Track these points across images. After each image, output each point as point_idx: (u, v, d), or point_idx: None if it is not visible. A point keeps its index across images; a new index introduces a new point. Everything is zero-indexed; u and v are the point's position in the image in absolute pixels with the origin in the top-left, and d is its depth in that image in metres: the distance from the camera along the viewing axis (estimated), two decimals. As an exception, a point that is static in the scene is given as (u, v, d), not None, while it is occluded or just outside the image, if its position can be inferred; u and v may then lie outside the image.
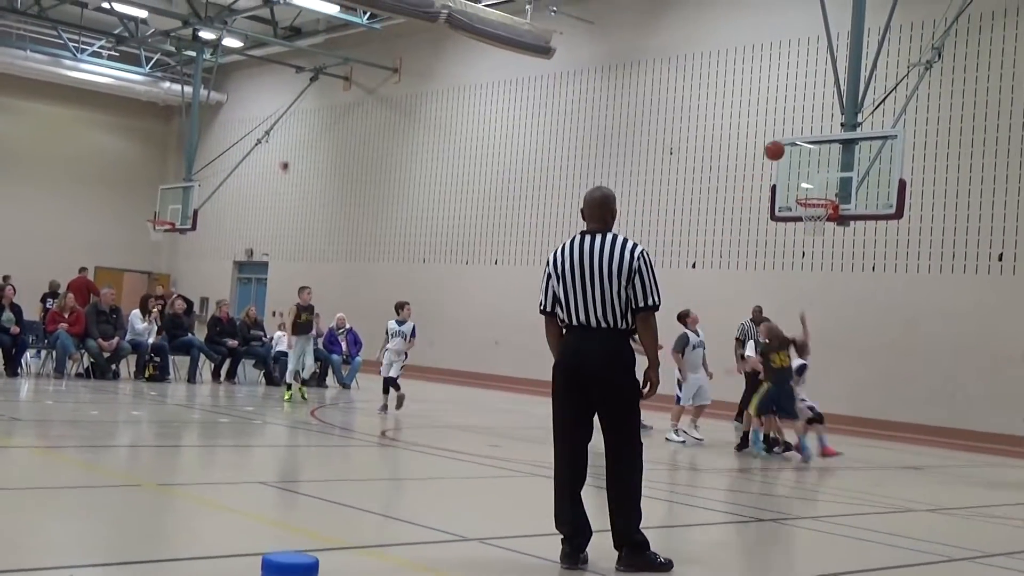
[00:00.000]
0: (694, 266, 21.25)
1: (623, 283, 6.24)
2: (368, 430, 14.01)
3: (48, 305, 22.11)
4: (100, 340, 18.10)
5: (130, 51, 31.55)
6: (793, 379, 13.30)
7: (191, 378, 19.11)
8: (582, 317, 6.30)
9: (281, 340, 20.13)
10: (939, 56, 16.63)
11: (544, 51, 22.88)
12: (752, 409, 13.40)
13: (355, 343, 20.90)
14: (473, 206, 25.94)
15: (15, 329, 17.69)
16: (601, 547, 6.27)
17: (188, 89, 29.64)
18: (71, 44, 30.44)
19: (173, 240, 33.27)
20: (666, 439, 14.53)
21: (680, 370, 14.82)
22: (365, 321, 22.01)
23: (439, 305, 25.50)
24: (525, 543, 6.87)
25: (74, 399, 15.63)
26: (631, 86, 22.97)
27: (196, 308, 27.35)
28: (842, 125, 15.87)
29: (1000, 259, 17.39)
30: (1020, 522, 9.80)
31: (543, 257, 6.78)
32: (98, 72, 31.52)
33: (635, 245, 6.35)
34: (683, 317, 15.15)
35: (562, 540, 6.27)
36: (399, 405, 15.44)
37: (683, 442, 14.49)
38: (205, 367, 19.83)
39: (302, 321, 16.67)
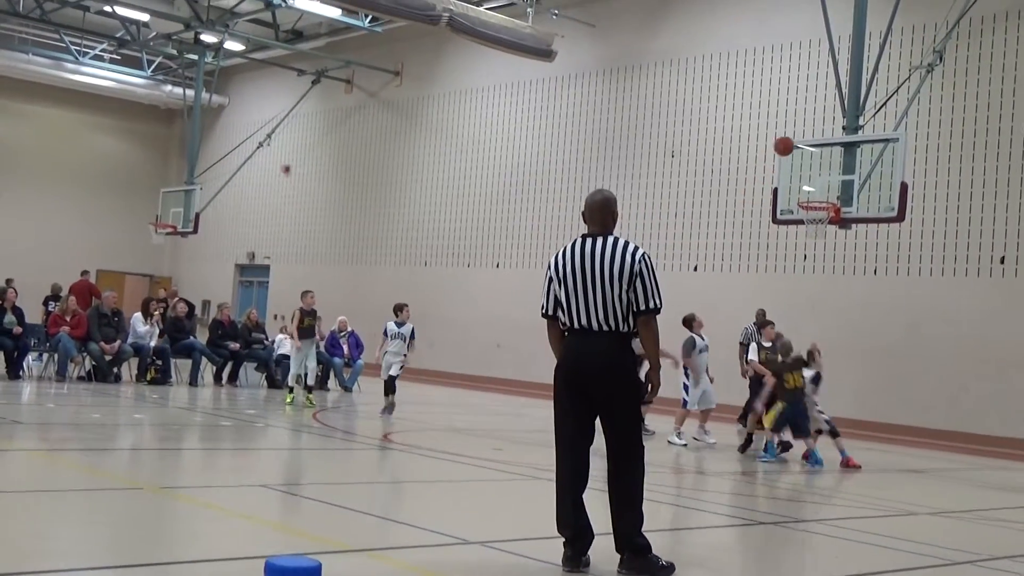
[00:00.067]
0: (696, 269, 21.25)
1: (624, 286, 6.24)
2: (370, 433, 14.01)
3: (50, 308, 22.12)
4: (102, 343, 18.11)
5: (132, 54, 31.59)
6: (809, 388, 13.30)
7: (193, 381, 19.11)
8: (583, 320, 6.30)
9: (283, 343, 20.14)
10: (940, 59, 16.63)
11: (545, 54, 22.89)
12: (767, 424, 13.39)
13: (357, 346, 20.91)
14: (475, 209, 25.94)
15: (17, 330, 17.70)
16: (603, 550, 6.26)
17: (190, 92, 29.66)
18: (73, 47, 30.47)
19: (175, 243, 33.26)
20: (668, 441, 14.54)
21: (691, 374, 14.86)
22: (367, 324, 22.03)
23: (441, 308, 25.51)
24: (527, 546, 6.87)
25: (76, 402, 15.63)
26: (632, 89, 22.97)
27: (198, 311, 27.37)
28: (844, 128, 15.88)
29: (1002, 262, 17.37)
30: (1023, 526, 9.79)
31: (545, 260, 6.78)
32: (100, 75, 31.57)
33: (636, 248, 6.35)
34: (689, 321, 15.18)
35: (564, 543, 6.27)
36: (390, 410, 15.41)
37: (685, 445, 14.49)
38: (207, 370, 19.84)
39: (305, 326, 16.61)
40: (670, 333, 15.35)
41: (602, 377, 6.26)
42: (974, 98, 17.89)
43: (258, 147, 30.50)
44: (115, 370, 18.46)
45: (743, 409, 14.84)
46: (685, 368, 15.00)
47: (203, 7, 26.17)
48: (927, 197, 18.07)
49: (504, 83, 25.56)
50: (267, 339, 20.79)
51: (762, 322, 15.24)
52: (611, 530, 6.25)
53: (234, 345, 19.76)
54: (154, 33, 29.19)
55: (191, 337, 19.93)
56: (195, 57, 29.26)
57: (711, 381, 15.11)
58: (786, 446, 13.75)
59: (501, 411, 19.37)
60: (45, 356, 18.87)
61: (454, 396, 21.96)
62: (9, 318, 17.71)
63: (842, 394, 17.40)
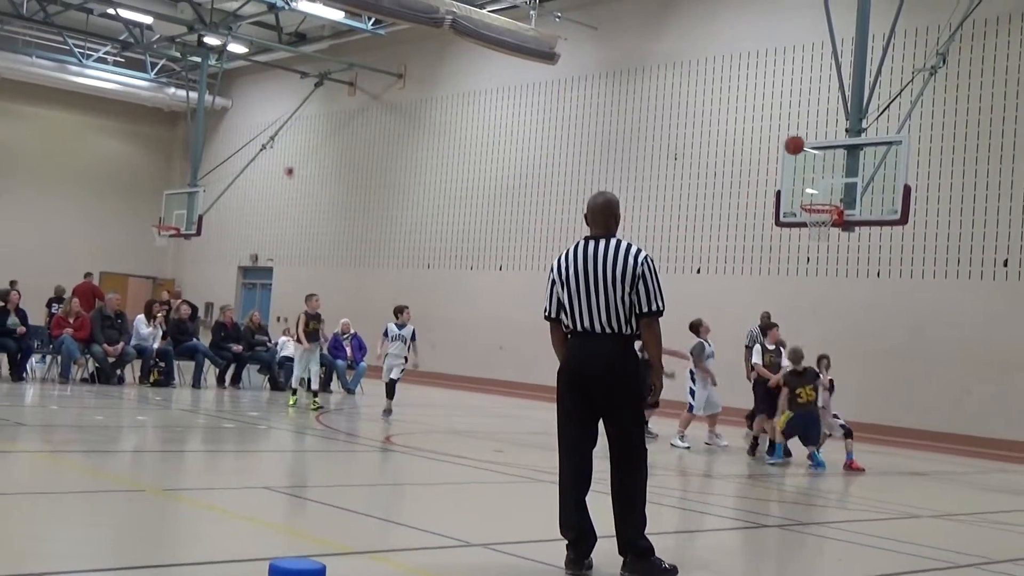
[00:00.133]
0: (699, 272, 21.25)
1: (627, 288, 6.24)
2: (373, 435, 14.01)
3: (53, 310, 22.13)
4: (105, 345, 18.12)
5: (135, 57, 31.62)
6: (823, 397, 13.27)
7: (196, 383, 19.12)
8: (586, 323, 6.30)
9: (286, 345, 20.15)
10: (944, 61, 16.62)
11: (548, 57, 22.90)
12: (778, 426, 13.38)
13: (360, 348, 20.92)
14: (478, 212, 25.95)
15: (21, 330, 17.71)
16: (606, 553, 6.26)
17: (193, 95, 29.69)
18: (76, 50, 30.52)
19: (178, 245, 33.29)
20: (671, 444, 14.55)
21: (698, 379, 14.90)
22: (369, 326, 22.00)
23: (444, 310, 25.52)
24: (530, 548, 6.87)
25: (79, 404, 15.63)
26: (635, 92, 22.98)
27: (201, 313, 27.37)
28: (847, 131, 15.87)
29: (1005, 265, 17.36)
30: (1026, 528, 9.78)
31: (547, 262, 6.79)
32: (103, 78, 31.61)
33: (639, 250, 6.35)
34: (696, 327, 15.22)
35: (567, 546, 6.27)
36: (389, 413, 15.37)
37: (688, 448, 14.50)
38: (210, 372, 19.84)
39: (310, 330, 16.58)
40: (676, 338, 15.50)
41: (605, 379, 6.25)
42: (977, 100, 17.88)
43: (261, 149, 30.52)
44: (118, 372, 18.47)
45: (751, 411, 14.86)
46: (692, 372, 15.02)
47: (206, 10, 26.21)
48: (930, 200, 18.06)
49: (507, 85, 25.57)
50: (270, 341, 20.80)
51: (766, 324, 15.24)
52: (614, 532, 6.25)
53: (237, 347, 19.77)
54: (157, 36, 29.22)
55: (194, 339, 19.95)
56: (198, 60, 29.29)
57: (714, 385, 15.14)
58: (787, 453, 13.76)
59: (503, 413, 19.36)
60: (48, 358, 18.88)
61: (456, 398, 21.96)
62: (12, 320, 17.73)
63: (845, 396, 17.34)
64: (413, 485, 10.36)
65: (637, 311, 6.26)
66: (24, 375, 17.89)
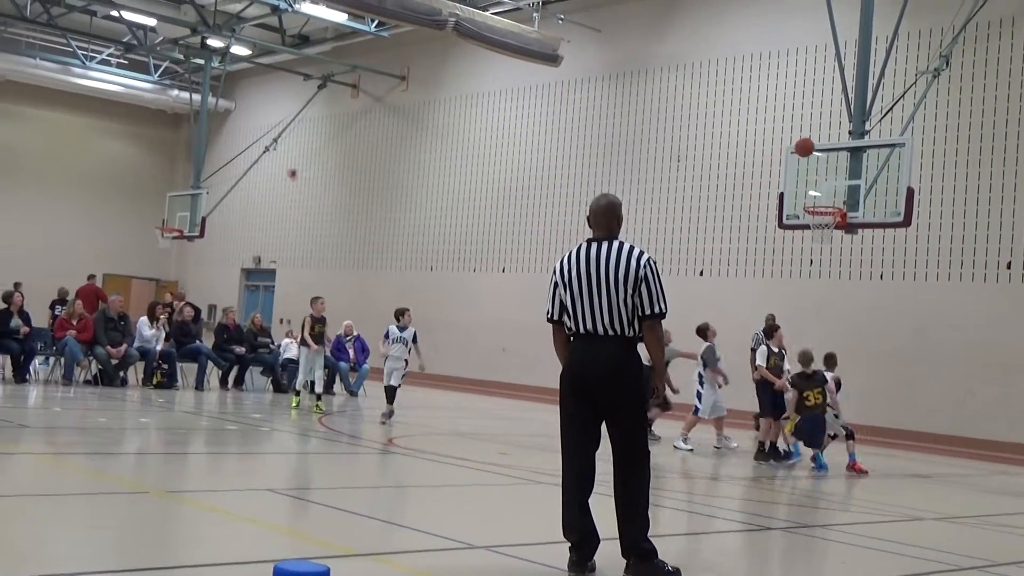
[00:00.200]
0: (701, 274, 21.24)
1: (629, 291, 6.23)
2: (375, 437, 14.01)
3: (57, 312, 22.14)
4: (108, 347, 18.14)
5: (139, 59, 31.63)
6: (830, 398, 13.26)
7: (199, 385, 19.13)
8: (589, 325, 6.30)
9: (289, 347, 20.16)
10: (947, 64, 16.61)
11: (551, 59, 22.89)
12: (787, 430, 13.38)
13: (362, 350, 20.92)
14: (481, 214, 25.96)
15: (25, 330, 17.74)
16: (609, 555, 6.26)
17: (196, 97, 29.71)
18: (80, 52, 30.54)
19: (181, 247, 33.31)
20: (674, 446, 14.55)
21: (707, 382, 14.91)
22: (372, 328, 21.95)
23: (446, 312, 25.52)
24: (533, 551, 6.87)
25: (82, 406, 15.65)
26: (638, 94, 22.98)
27: (204, 315, 27.39)
28: (850, 133, 15.86)
29: (1008, 267, 17.34)
30: (1029, 531, 9.77)
31: (550, 264, 6.78)
32: (107, 80, 31.64)
33: (641, 252, 6.34)
34: (703, 330, 15.25)
35: (570, 548, 6.26)
36: (388, 416, 15.29)
37: (691, 450, 14.50)
38: (213, 374, 19.85)
39: (315, 333, 16.54)
40: (679, 340, 15.52)
41: (607, 382, 6.25)
42: (980, 103, 17.87)
43: (264, 151, 30.51)
44: (121, 374, 18.49)
45: (757, 414, 14.89)
46: (700, 375, 15.04)
47: (210, 12, 26.23)
48: (933, 202, 18.05)
49: (510, 88, 25.57)
50: (273, 343, 20.81)
51: (771, 327, 15.24)
52: (617, 535, 6.25)
53: (240, 349, 19.78)
54: (161, 38, 29.22)
55: (197, 341, 19.97)
56: (202, 62, 29.31)
57: (727, 384, 15.21)
58: (788, 455, 13.76)
59: (505, 415, 19.37)
60: (51, 360, 18.91)
61: (459, 400, 21.96)
62: (15, 321, 17.75)
63: (848, 398, 17.35)
64: (416, 487, 10.36)
65: (639, 313, 6.26)
66: (27, 377, 17.91)
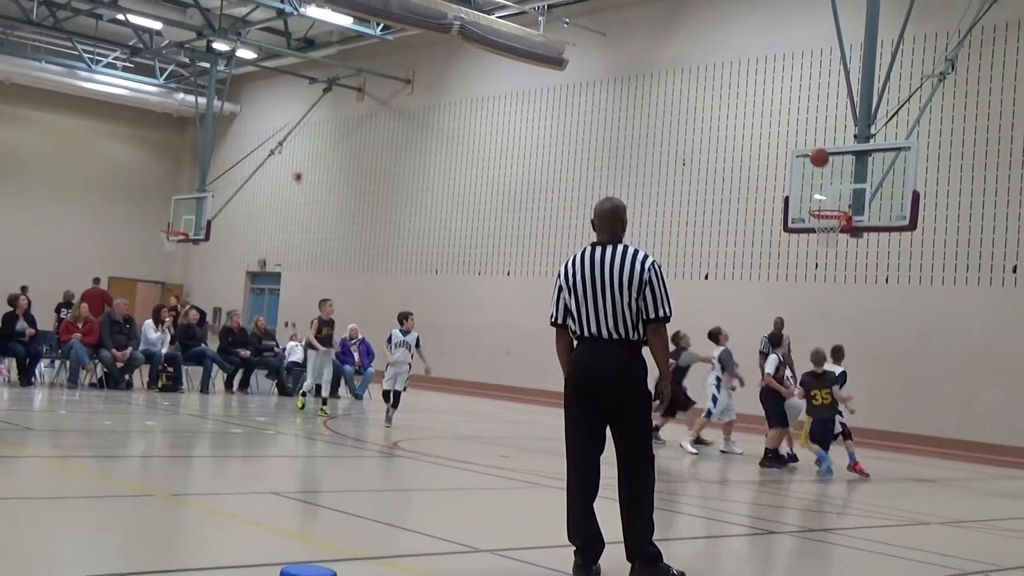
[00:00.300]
0: (706, 277, 21.23)
1: (634, 294, 6.23)
2: (380, 441, 14.02)
3: (62, 315, 22.20)
4: (114, 350, 18.15)
5: (144, 62, 31.72)
6: (836, 391, 13.25)
7: (204, 388, 19.14)
8: (593, 329, 6.29)
9: (294, 350, 20.17)
10: (952, 68, 16.60)
11: (557, 63, 22.90)
12: (803, 442, 13.36)
13: (367, 354, 20.93)
14: (486, 217, 25.96)
15: (30, 331, 17.77)
16: (614, 559, 6.25)
17: (202, 100, 29.77)
18: (86, 55, 30.62)
19: (186, 250, 33.38)
20: (680, 445, 14.58)
21: (724, 385, 14.93)
22: (377, 332, 21.92)
23: (451, 316, 25.54)
24: (538, 554, 6.86)
25: (87, 409, 15.67)
26: (644, 98, 22.98)
27: (209, 318, 27.42)
28: (855, 137, 15.85)
29: (1014, 271, 17.32)
30: (1035, 535, 9.75)
31: (555, 268, 6.78)
32: (113, 83, 31.71)
33: (645, 256, 6.34)
34: (716, 334, 15.27)
35: (575, 552, 6.26)
36: (388, 419, 15.22)
37: (696, 453, 14.49)
38: (218, 377, 19.87)
39: (323, 335, 16.51)
40: (694, 345, 15.53)
41: (611, 385, 6.25)
42: (986, 107, 17.85)
43: (270, 155, 30.59)
44: (126, 377, 18.50)
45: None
46: (718, 379, 15.05)
47: (215, 15, 26.27)
48: (939, 206, 18.03)
49: (515, 91, 25.59)
50: (277, 346, 20.82)
51: (777, 336, 15.26)
52: (622, 538, 6.24)
53: (245, 352, 19.79)
54: (167, 41, 29.31)
55: (202, 344, 19.99)
56: (207, 65, 29.38)
57: (742, 387, 15.25)
58: (792, 458, 13.75)
59: (510, 419, 19.37)
60: (57, 363, 18.92)
61: (463, 403, 21.96)
62: (21, 324, 17.78)
63: (854, 402, 17.33)
64: (420, 490, 10.37)
65: (644, 317, 6.26)
66: (33, 380, 17.94)
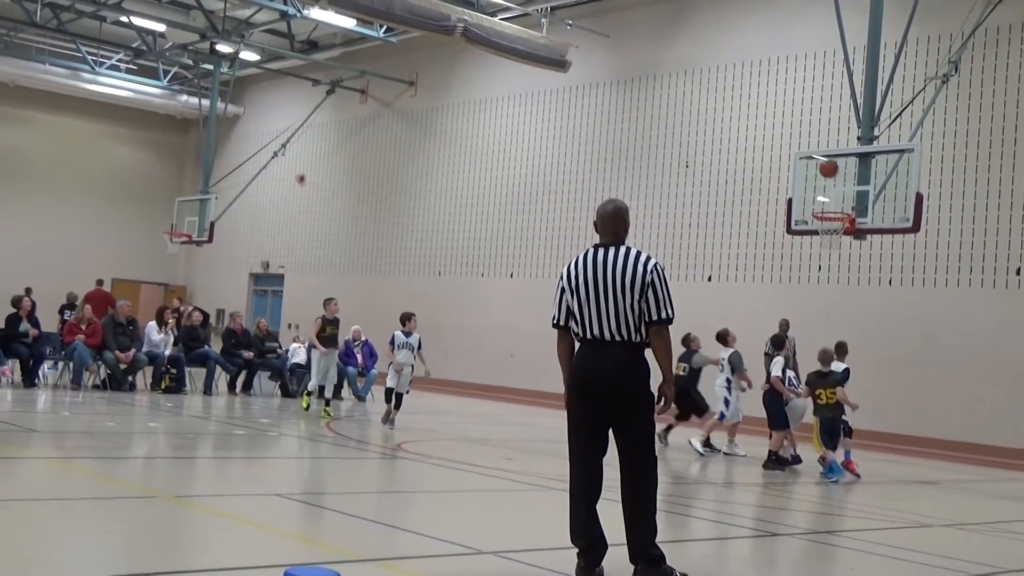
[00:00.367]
0: (710, 279, 21.22)
1: (636, 296, 6.23)
2: (383, 442, 14.02)
3: (65, 317, 22.22)
4: (117, 352, 18.17)
5: (148, 64, 31.74)
6: (839, 392, 13.23)
7: (207, 390, 19.16)
8: (596, 330, 6.29)
9: (297, 352, 20.18)
10: (956, 69, 16.60)
11: (560, 64, 22.91)
12: (816, 446, 13.32)
13: (371, 355, 20.94)
14: (489, 219, 25.97)
15: (34, 332, 17.79)
16: (617, 561, 6.25)
17: (205, 102, 29.79)
18: (89, 57, 30.64)
19: (190, 252, 33.39)
20: (689, 441, 14.61)
21: (735, 388, 14.95)
22: (381, 333, 21.91)
23: (454, 318, 25.54)
24: (541, 556, 6.86)
25: (90, 410, 15.68)
26: (647, 99, 22.98)
27: (212, 320, 27.43)
28: (859, 139, 15.85)
29: (1018, 273, 17.30)
30: (1039, 538, 9.73)
31: (558, 270, 6.77)
32: (116, 85, 31.73)
33: (648, 258, 6.34)
34: (724, 336, 15.28)
35: (578, 554, 6.26)
36: (387, 419, 15.12)
37: (702, 454, 14.49)
38: (221, 379, 19.89)
39: (327, 334, 16.49)
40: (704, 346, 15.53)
41: (614, 387, 6.24)
42: (989, 108, 17.84)
43: (273, 157, 30.61)
44: (130, 379, 18.52)
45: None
46: (729, 381, 15.04)
47: (219, 18, 26.29)
48: (942, 208, 18.01)
49: (518, 93, 25.60)
50: (280, 348, 20.83)
51: (780, 339, 15.25)
52: (625, 540, 6.24)
53: (248, 354, 19.80)
54: (170, 43, 29.33)
55: (205, 346, 20.00)
56: (211, 67, 29.38)
57: (750, 388, 15.26)
58: (796, 460, 13.73)
59: (513, 420, 19.36)
60: (60, 364, 18.95)
61: (466, 405, 21.95)
62: (24, 325, 17.81)
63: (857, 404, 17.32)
64: (423, 492, 10.37)
65: (646, 319, 6.25)
66: (36, 381, 17.96)
